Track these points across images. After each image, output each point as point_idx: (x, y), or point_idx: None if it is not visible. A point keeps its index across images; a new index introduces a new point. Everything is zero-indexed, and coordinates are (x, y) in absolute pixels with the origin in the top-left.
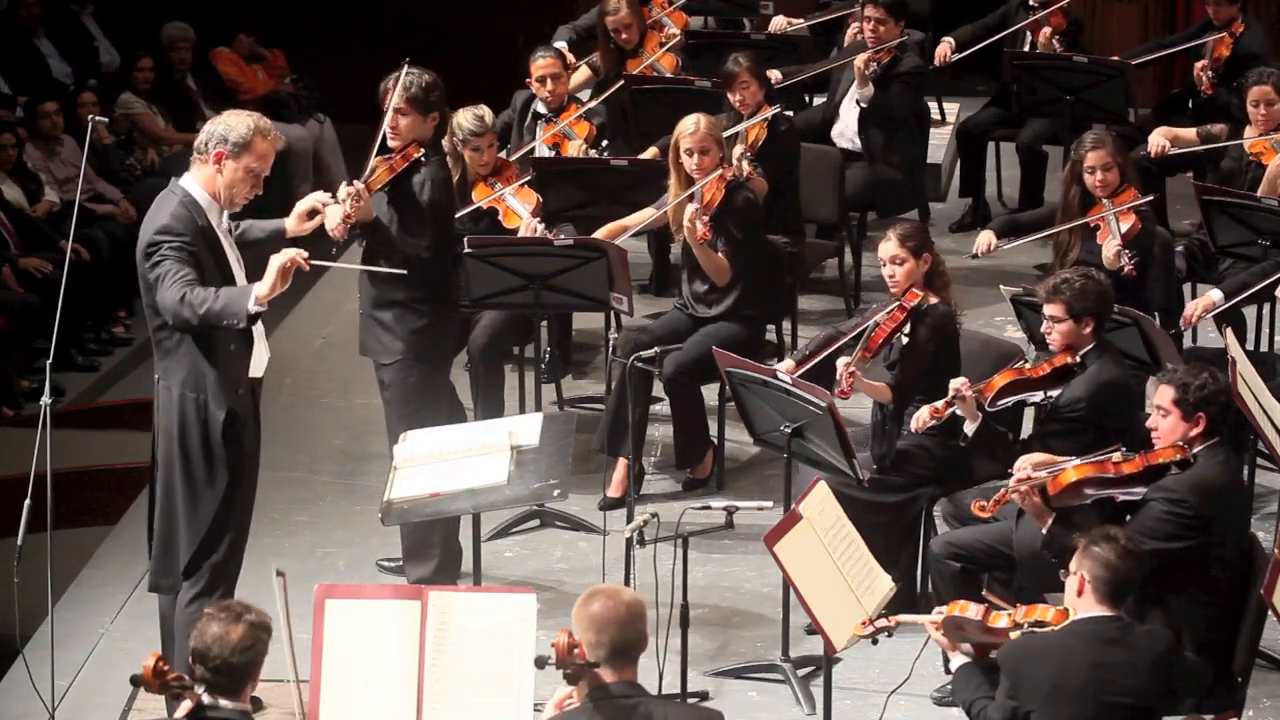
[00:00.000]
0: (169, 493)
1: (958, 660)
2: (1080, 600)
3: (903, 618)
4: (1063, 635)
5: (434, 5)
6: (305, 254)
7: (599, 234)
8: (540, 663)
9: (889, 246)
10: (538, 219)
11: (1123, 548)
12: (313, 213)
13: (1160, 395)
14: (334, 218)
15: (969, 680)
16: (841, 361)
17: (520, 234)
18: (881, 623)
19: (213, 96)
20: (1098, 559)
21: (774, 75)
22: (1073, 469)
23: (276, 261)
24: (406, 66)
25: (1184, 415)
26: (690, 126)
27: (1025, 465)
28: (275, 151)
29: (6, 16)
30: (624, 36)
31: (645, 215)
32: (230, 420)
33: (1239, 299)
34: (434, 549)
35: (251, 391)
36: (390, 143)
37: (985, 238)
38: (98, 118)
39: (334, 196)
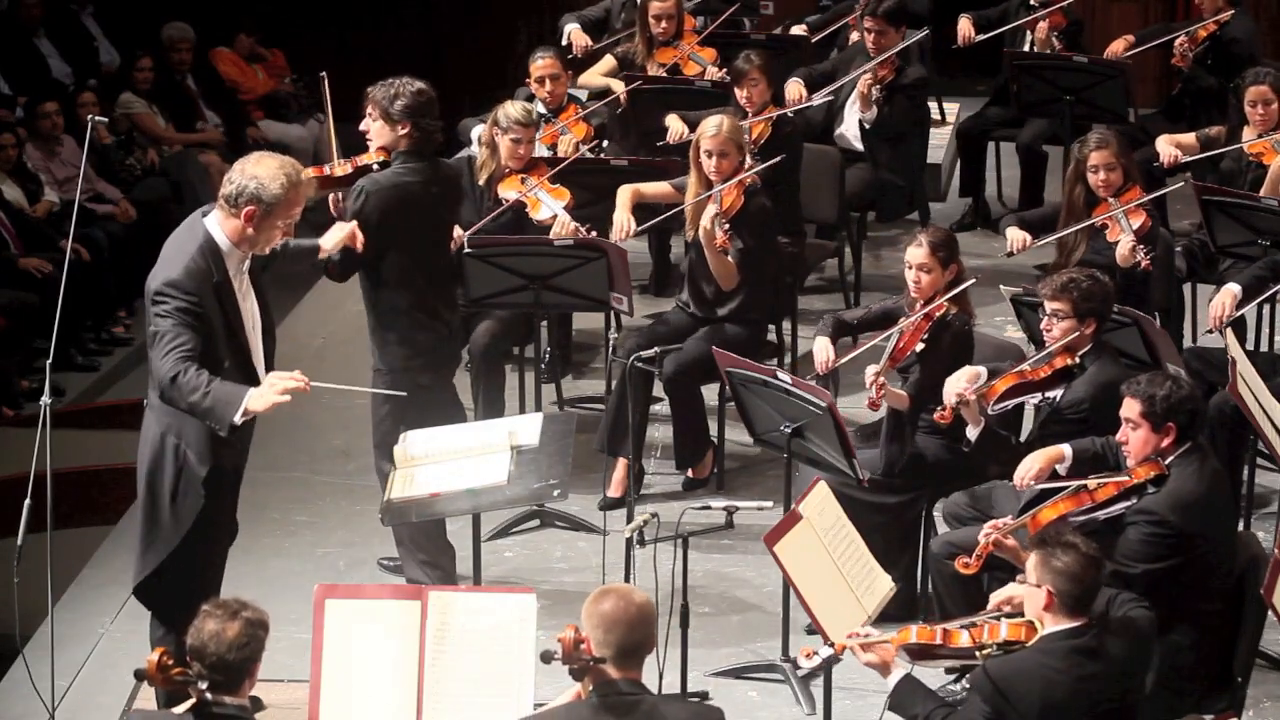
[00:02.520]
0: (145, 515)
1: (893, 676)
2: (1048, 614)
3: (848, 642)
4: (1040, 655)
5: (433, 5)
6: (305, 379)
7: (619, 194)
8: (546, 657)
9: (919, 253)
10: (571, 219)
11: (1084, 555)
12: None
13: (1127, 408)
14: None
15: (914, 692)
16: (870, 370)
17: (554, 229)
18: (826, 651)
19: (213, 96)
20: (1062, 573)
21: (798, 91)
22: (1049, 508)
23: (279, 385)
24: (405, 78)
25: (1154, 427)
26: (712, 129)
27: (1034, 463)
28: (309, 193)
29: (6, 16)
30: (663, 25)
31: (661, 188)
32: (211, 476)
33: (1262, 297)
34: (421, 552)
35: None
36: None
37: (1019, 235)
38: (98, 118)
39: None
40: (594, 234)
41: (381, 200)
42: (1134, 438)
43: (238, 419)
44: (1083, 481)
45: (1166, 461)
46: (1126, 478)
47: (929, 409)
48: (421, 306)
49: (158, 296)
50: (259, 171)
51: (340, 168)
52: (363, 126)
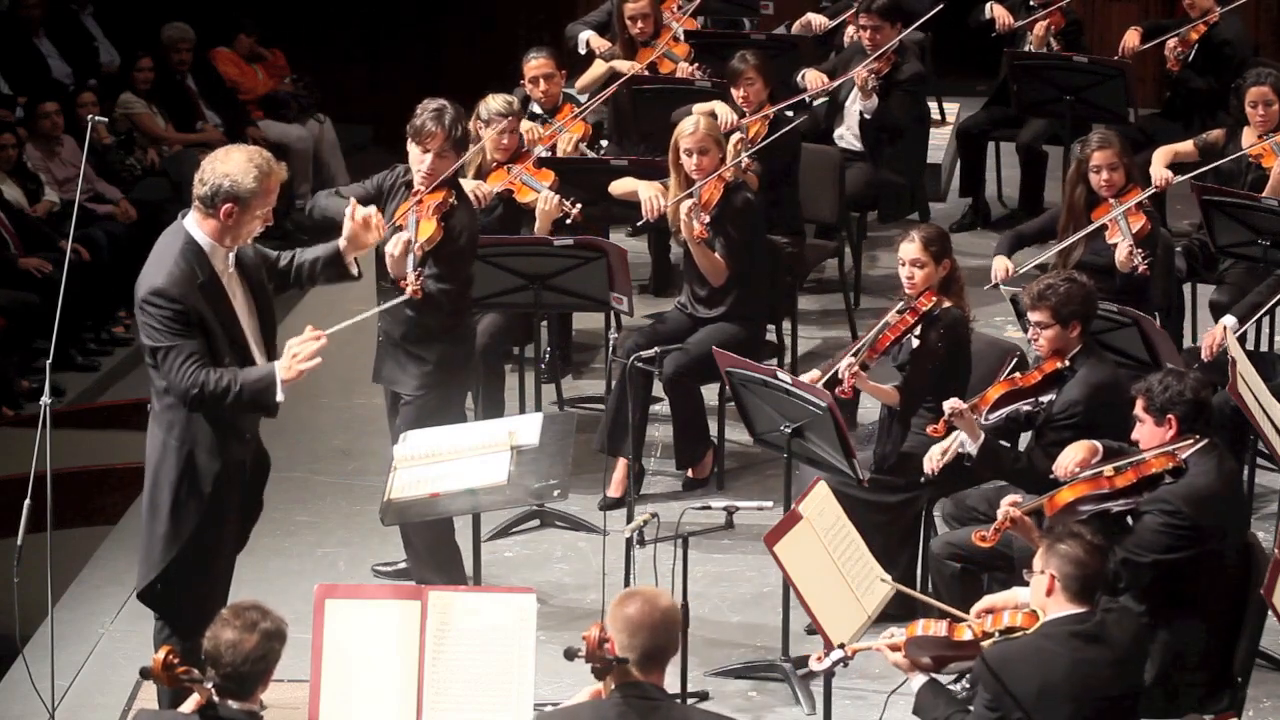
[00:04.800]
0: (146, 522)
1: (917, 680)
2: (1050, 600)
3: (859, 646)
4: (1040, 639)
5: (434, 5)
6: (319, 334)
7: (612, 187)
8: (570, 654)
9: (911, 249)
10: (555, 193)
11: (1089, 543)
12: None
13: (1137, 406)
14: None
15: (935, 697)
16: (845, 361)
17: (539, 206)
18: (836, 654)
19: (213, 96)
20: (1066, 557)
21: (818, 78)
22: (1068, 489)
23: (300, 353)
24: (441, 102)
25: (1156, 421)
26: (689, 127)
27: (1075, 453)
28: (282, 178)
29: (6, 16)
30: (640, 26)
31: (653, 184)
32: (222, 474)
33: (1254, 319)
34: (432, 555)
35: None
36: (418, 178)
37: (1001, 264)
38: (98, 118)
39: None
40: (578, 207)
41: (475, 233)
42: (1143, 433)
43: (280, 397)
44: (1100, 469)
45: (1184, 456)
46: (1145, 464)
47: (924, 412)
48: (467, 307)
49: (144, 305)
50: (230, 168)
51: (436, 212)
52: (430, 167)
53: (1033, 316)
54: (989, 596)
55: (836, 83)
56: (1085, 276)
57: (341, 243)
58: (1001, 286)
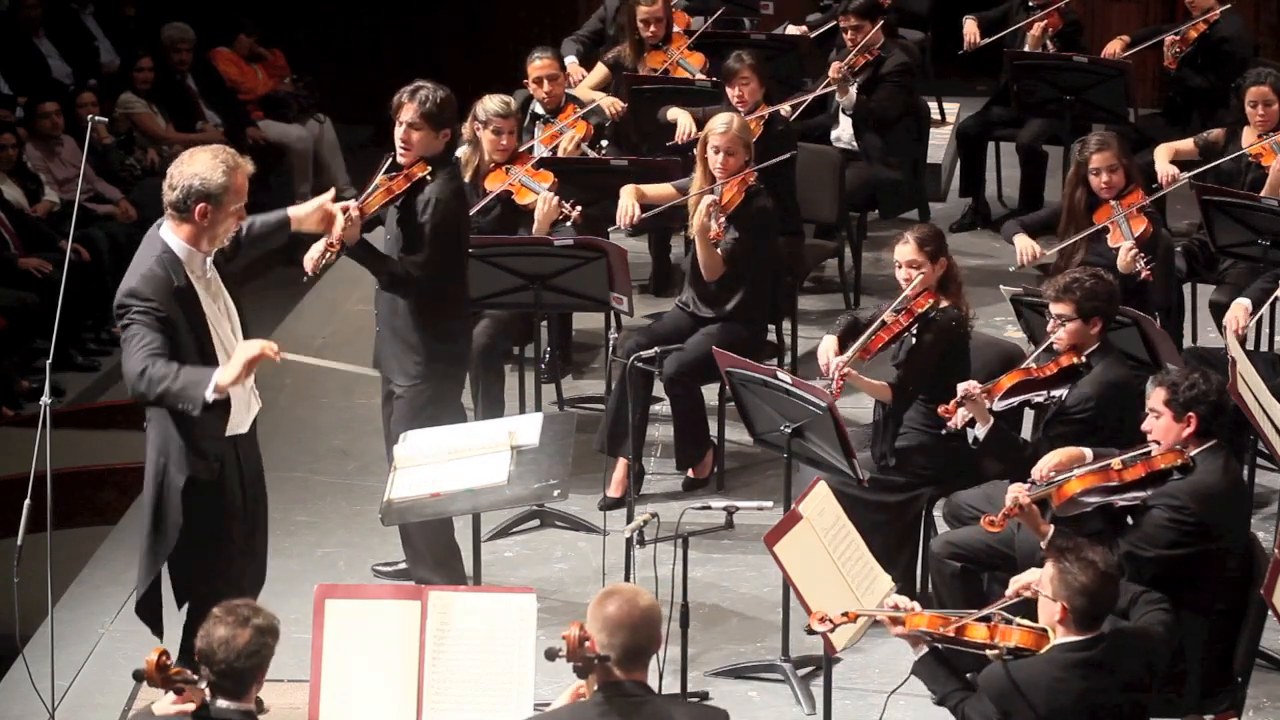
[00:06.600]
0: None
1: (921, 649)
2: (1061, 625)
3: (859, 610)
4: (1048, 665)
5: (434, 5)
6: (275, 347)
7: (623, 192)
8: (551, 654)
9: (906, 250)
10: (554, 194)
11: (1100, 571)
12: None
13: (1153, 397)
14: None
15: (935, 672)
16: (837, 359)
17: (538, 208)
18: (839, 617)
19: (213, 96)
20: (1076, 590)
21: (785, 109)
22: (1076, 479)
23: (244, 353)
24: (420, 82)
25: (1175, 416)
26: (721, 126)
27: (1055, 457)
28: (249, 172)
29: (6, 16)
30: (652, 29)
31: (664, 190)
32: (189, 488)
33: (1268, 305)
34: (431, 553)
35: (237, 446)
36: (400, 158)
37: (1029, 246)
38: (98, 118)
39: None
40: (577, 209)
41: (455, 207)
42: (1157, 426)
43: (209, 395)
44: (1108, 462)
45: (1193, 454)
46: (1154, 459)
47: (920, 403)
48: (456, 299)
49: (119, 309)
50: (197, 168)
51: (398, 184)
52: (401, 137)
53: (1055, 309)
54: (1028, 572)
55: (810, 97)
56: (1109, 274)
57: (294, 212)
58: (1002, 287)
